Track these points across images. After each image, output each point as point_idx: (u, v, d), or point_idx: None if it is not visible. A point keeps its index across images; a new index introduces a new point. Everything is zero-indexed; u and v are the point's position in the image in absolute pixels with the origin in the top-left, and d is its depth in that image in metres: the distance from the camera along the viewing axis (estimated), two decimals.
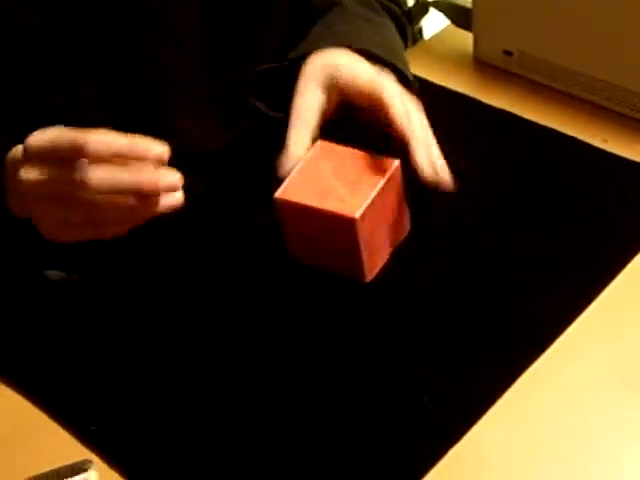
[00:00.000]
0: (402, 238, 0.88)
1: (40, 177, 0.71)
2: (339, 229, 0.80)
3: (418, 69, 1.01)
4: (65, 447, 0.76)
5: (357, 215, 0.79)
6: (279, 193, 0.81)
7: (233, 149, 1.00)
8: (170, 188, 0.72)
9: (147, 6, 0.89)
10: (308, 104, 0.85)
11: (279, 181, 0.82)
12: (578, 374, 0.76)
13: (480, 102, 1.05)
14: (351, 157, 0.84)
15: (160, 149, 0.71)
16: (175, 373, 0.81)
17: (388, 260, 0.87)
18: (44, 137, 0.71)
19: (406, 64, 0.94)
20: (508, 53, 1.09)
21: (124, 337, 0.85)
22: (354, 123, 0.89)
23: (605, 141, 0.97)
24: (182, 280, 0.90)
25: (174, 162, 0.90)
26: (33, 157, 0.72)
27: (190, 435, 0.75)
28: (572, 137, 0.98)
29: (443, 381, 0.77)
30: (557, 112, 1.02)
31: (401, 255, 0.87)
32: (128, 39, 0.90)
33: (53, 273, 0.93)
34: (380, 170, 0.82)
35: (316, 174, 0.82)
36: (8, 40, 0.85)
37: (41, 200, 0.73)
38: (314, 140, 0.84)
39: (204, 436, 0.75)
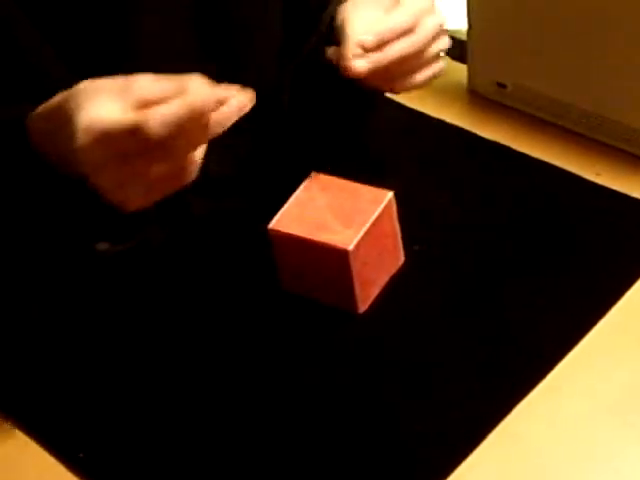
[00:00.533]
0: (396, 269, 0.87)
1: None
2: (332, 261, 0.80)
3: (412, 101, 1.02)
4: (52, 474, 0.75)
5: (350, 247, 0.79)
6: (273, 224, 0.81)
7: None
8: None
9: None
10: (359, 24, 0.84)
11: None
12: (570, 408, 0.76)
13: (474, 134, 1.05)
14: (345, 189, 0.84)
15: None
16: (164, 401, 0.80)
17: (381, 291, 0.86)
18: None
19: None
20: (502, 85, 1.10)
21: (113, 361, 0.84)
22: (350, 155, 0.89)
23: (598, 174, 0.97)
24: (175, 300, 0.89)
25: None
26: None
27: (179, 464, 0.75)
28: (565, 170, 0.98)
29: (433, 413, 0.76)
30: (550, 145, 1.03)
31: (395, 286, 0.87)
32: (122, 62, 0.90)
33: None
34: (374, 202, 0.82)
35: (309, 206, 0.82)
36: None
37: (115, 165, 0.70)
38: None
39: (194, 465, 0.74)
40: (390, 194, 0.83)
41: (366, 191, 0.83)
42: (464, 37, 1.12)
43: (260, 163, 0.99)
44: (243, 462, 0.74)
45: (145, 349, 0.84)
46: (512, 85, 1.09)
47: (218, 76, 0.89)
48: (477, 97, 1.13)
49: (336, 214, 0.81)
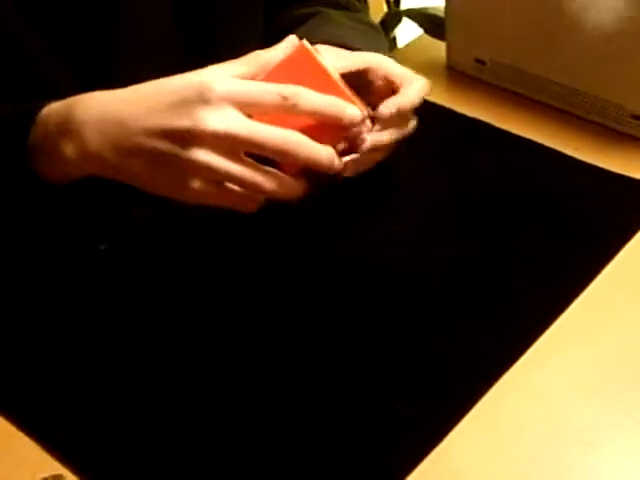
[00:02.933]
0: None
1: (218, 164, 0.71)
2: (300, 70, 0.74)
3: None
4: (35, 461, 0.74)
5: (303, 41, 0.75)
6: None
7: None
8: None
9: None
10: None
11: None
12: (551, 382, 0.76)
13: (453, 111, 1.05)
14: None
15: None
16: (160, 396, 0.79)
17: (372, 277, 0.86)
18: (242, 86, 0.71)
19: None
20: (481, 62, 1.10)
21: (99, 346, 0.83)
22: None
23: (576, 149, 0.98)
24: (173, 290, 0.89)
25: None
26: (224, 101, 0.70)
27: (166, 449, 0.74)
28: (544, 145, 0.98)
29: (416, 388, 0.76)
30: (529, 120, 1.03)
31: (384, 263, 0.87)
32: (105, 58, 0.89)
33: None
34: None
35: None
36: None
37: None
38: None
39: (182, 452, 0.74)
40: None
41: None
42: (442, 14, 1.12)
43: None
44: (231, 443, 0.74)
45: (141, 345, 0.83)
46: (491, 61, 1.09)
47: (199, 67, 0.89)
48: (456, 74, 1.13)
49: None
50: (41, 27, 0.85)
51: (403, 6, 1.74)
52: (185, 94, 0.70)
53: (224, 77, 0.71)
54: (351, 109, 0.73)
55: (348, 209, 0.94)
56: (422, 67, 1.13)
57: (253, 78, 0.73)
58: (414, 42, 1.24)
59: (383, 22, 1.64)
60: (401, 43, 1.66)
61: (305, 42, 0.75)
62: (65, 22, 0.87)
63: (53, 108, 0.77)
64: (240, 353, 0.81)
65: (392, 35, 1.71)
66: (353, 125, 0.74)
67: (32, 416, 0.78)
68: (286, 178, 0.74)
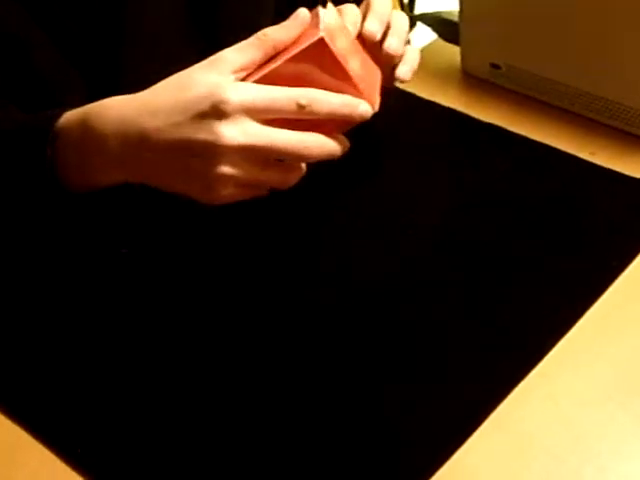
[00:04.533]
0: (380, 74, 0.84)
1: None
2: (316, 62, 0.74)
3: (405, 83, 1.01)
4: (51, 470, 0.74)
5: (322, 33, 0.73)
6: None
7: None
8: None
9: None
10: None
11: None
12: (567, 391, 0.75)
13: (468, 116, 1.05)
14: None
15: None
16: (162, 397, 0.79)
17: (383, 279, 0.86)
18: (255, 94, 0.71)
19: None
20: (496, 66, 1.09)
21: (112, 357, 0.83)
22: None
23: (593, 154, 0.97)
24: (173, 298, 0.89)
25: None
26: (239, 114, 0.71)
27: (179, 458, 0.74)
28: (560, 150, 0.98)
29: (430, 398, 0.76)
30: (544, 125, 1.02)
31: (393, 272, 0.87)
32: (114, 51, 0.90)
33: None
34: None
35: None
36: None
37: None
38: None
39: (193, 459, 0.74)
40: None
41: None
42: (456, 18, 1.12)
43: None
44: (231, 445, 0.74)
45: (144, 345, 0.84)
46: (506, 66, 1.08)
47: None
48: (471, 78, 1.13)
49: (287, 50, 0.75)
50: (50, 30, 0.86)
51: (417, 10, 1.74)
52: (201, 108, 0.70)
53: (237, 85, 0.71)
54: (363, 107, 0.75)
55: (360, 214, 0.93)
56: (437, 72, 1.13)
57: (265, 60, 0.74)
58: (428, 47, 1.23)
59: None
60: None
61: (323, 31, 0.73)
62: (74, 25, 0.87)
63: (71, 117, 0.77)
64: (245, 356, 0.81)
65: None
66: (363, 120, 0.75)
67: (47, 425, 0.78)
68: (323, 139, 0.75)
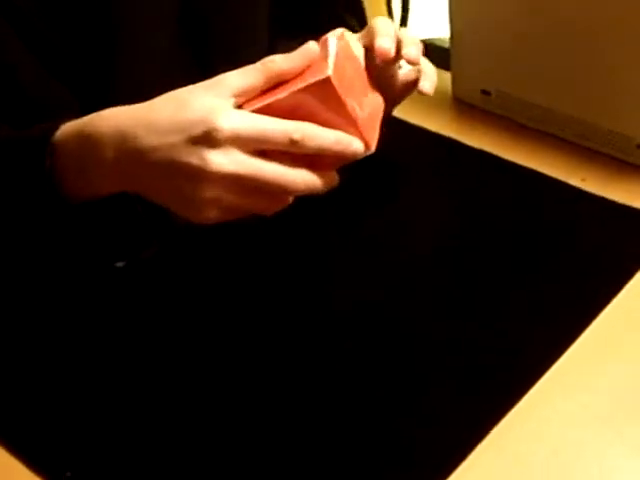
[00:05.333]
0: (382, 107, 0.83)
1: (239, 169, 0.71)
2: (319, 100, 0.74)
3: (397, 109, 1.01)
4: None
5: (330, 72, 0.72)
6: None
7: None
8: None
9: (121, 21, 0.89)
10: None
11: None
12: (562, 415, 0.75)
13: (458, 142, 1.05)
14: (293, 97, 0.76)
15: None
16: (156, 420, 0.78)
17: (379, 308, 0.86)
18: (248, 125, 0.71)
19: None
20: (486, 93, 1.10)
21: (103, 376, 0.83)
22: None
23: (583, 180, 0.97)
24: (167, 313, 0.88)
25: None
26: (229, 143, 0.71)
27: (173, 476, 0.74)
28: (550, 177, 0.98)
29: (426, 422, 0.76)
30: (535, 151, 1.03)
31: (386, 294, 0.87)
32: (108, 73, 0.90)
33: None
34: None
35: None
36: None
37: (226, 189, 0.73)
38: None
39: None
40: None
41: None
42: (447, 45, 1.12)
43: None
44: (236, 468, 0.74)
45: (137, 365, 0.83)
46: (496, 92, 1.09)
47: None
48: (462, 104, 1.13)
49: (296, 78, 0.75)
50: (38, 50, 0.86)
51: None
52: (195, 132, 0.71)
53: (231, 113, 0.71)
54: (355, 145, 0.75)
55: (353, 240, 0.93)
56: (427, 98, 1.12)
57: (267, 87, 0.74)
58: None
59: None
60: None
61: (330, 70, 0.73)
62: (63, 45, 0.87)
63: (69, 128, 0.78)
64: (250, 376, 0.81)
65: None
66: (356, 159, 0.75)
67: (35, 449, 0.77)
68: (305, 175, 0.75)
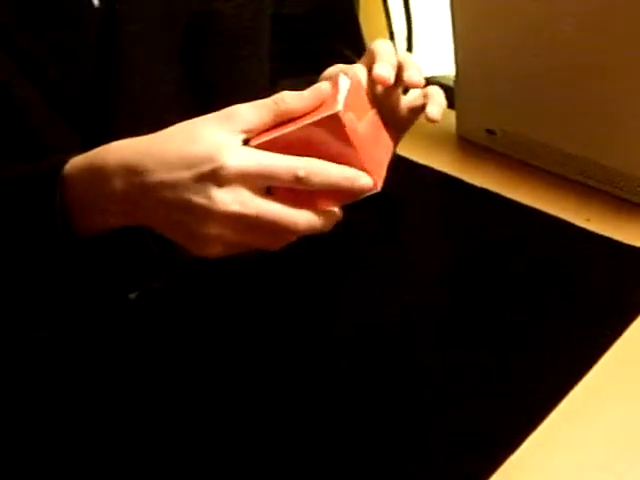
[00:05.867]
0: (392, 150, 0.82)
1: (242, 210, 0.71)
2: (328, 136, 0.74)
3: (401, 147, 1.01)
4: None
5: (340, 107, 0.72)
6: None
7: None
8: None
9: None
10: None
11: None
12: (564, 460, 0.74)
13: (462, 181, 1.05)
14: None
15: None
16: (158, 439, 0.78)
17: (380, 344, 0.85)
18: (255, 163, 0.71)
19: None
20: (491, 132, 1.10)
21: (108, 413, 0.82)
22: None
23: (588, 220, 0.97)
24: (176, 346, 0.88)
25: None
26: (235, 181, 0.71)
27: None
28: (555, 216, 0.97)
29: (427, 469, 0.75)
30: (540, 191, 1.02)
31: (393, 332, 0.87)
32: (107, 109, 0.90)
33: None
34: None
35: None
36: None
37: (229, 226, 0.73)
38: None
39: None
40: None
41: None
42: (452, 83, 1.12)
43: None
44: None
45: (144, 403, 0.83)
46: (501, 131, 1.08)
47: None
48: (466, 143, 1.13)
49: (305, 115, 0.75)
50: (42, 86, 0.86)
51: None
52: (202, 170, 0.71)
53: (239, 151, 0.71)
54: (363, 180, 0.74)
55: (356, 276, 0.93)
56: (432, 136, 1.13)
57: (276, 123, 0.74)
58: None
59: None
60: None
61: (340, 106, 0.72)
62: (69, 76, 0.88)
63: (77, 162, 0.78)
64: (249, 401, 0.81)
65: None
66: (363, 194, 0.75)
67: None
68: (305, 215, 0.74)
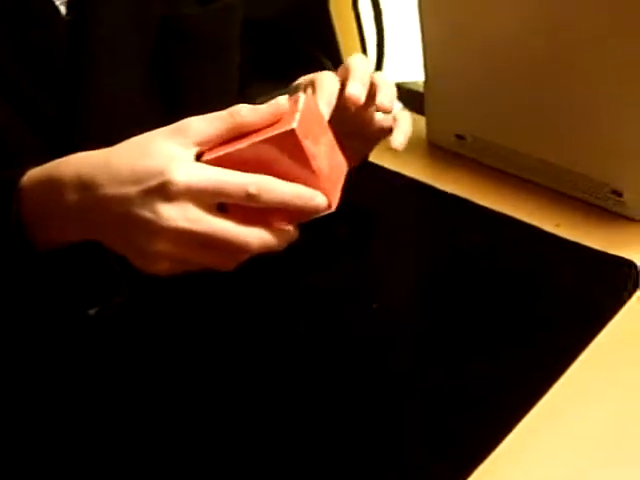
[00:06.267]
0: (346, 169, 0.79)
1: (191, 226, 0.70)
2: (282, 153, 0.72)
3: (371, 153, 1.01)
4: None
5: (295, 124, 0.71)
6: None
7: None
8: None
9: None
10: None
11: None
12: (530, 469, 0.74)
13: (432, 187, 1.05)
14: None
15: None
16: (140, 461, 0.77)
17: (353, 349, 0.85)
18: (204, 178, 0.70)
19: None
20: (461, 137, 1.10)
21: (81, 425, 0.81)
22: None
23: (558, 226, 0.97)
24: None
25: None
26: (183, 197, 0.70)
27: None
28: (524, 222, 0.97)
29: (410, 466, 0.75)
30: (509, 196, 1.02)
31: (363, 343, 0.86)
32: (77, 121, 0.89)
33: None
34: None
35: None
36: None
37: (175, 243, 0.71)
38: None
39: None
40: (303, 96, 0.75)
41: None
42: (422, 89, 1.12)
43: None
44: None
45: (127, 414, 0.82)
46: (471, 137, 1.08)
47: None
48: (436, 149, 1.13)
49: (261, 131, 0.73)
50: (11, 90, 0.85)
51: None
52: (151, 184, 0.70)
53: (189, 166, 0.70)
54: (318, 199, 0.72)
55: (327, 288, 0.92)
56: None
57: (231, 136, 0.73)
58: None
59: None
60: None
61: (296, 123, 0.71)
62: (34, 80, 0.87)
63: (34, 174, 0.77)
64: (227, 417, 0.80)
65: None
66: (317, 213, 0.73)
67: None
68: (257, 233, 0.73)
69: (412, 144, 1.13)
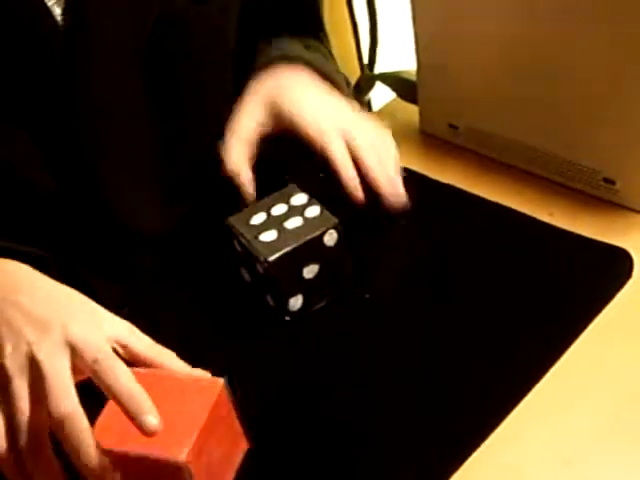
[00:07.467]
0: (240, 457, 0.76)
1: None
2: (170, 473, 0.69)
3: None
4: None
5: (183, 457, 0.67)
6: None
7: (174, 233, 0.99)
8: None
9: (94, 95, 0.88)
10: (247, 123, 0.91)
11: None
12: (524, 457, 0.74)
13: (425, 176, 1.04)
14: (171, 386, 0.71)
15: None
16: None
17: (344, 339, 0.85)
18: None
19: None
20: (454, 127, 1.09)
21: None
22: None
23: (551, 215, 0.97)
24: None
25: (114, 242, 0.89)
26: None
27: None
28: (518, 211, 0.97)
29: (398, 462, 0.75)
30: (503, 186, 1.02)
31: (358, 334, 0.86)
32: (75, 124, 0.89)
33: None
34: (204, 397, 0.70)
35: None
36: None
37: None
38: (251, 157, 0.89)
39: None
40: (221, 382, 0.71)
41: (194, 385, 0.72)
42: (414, 78, 1.12)
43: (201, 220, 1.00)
44: None
45: None
46: (464, 126, 1.08)
47: (167, 137, 0.89)
48: (429, 138, 1.13)
49: (163, 417, 0.68)
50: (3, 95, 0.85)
51: (376, 70, 1.74)
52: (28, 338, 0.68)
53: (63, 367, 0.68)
54: (150, 418, 0.67)
55: None
56: (395, 131, 1.12)
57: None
58: (387, 106, 1.24)
59: (357, 85, 1.64)
60: (375, 106, 1.66)
61: (184, 455, 0.67)
62: (28, 88, 0.86)
63: None
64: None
65: (366, 98, 1.71)
66: (147, 431, 0.67)
67: None
68: None
69: (405, 133, 1.14)
